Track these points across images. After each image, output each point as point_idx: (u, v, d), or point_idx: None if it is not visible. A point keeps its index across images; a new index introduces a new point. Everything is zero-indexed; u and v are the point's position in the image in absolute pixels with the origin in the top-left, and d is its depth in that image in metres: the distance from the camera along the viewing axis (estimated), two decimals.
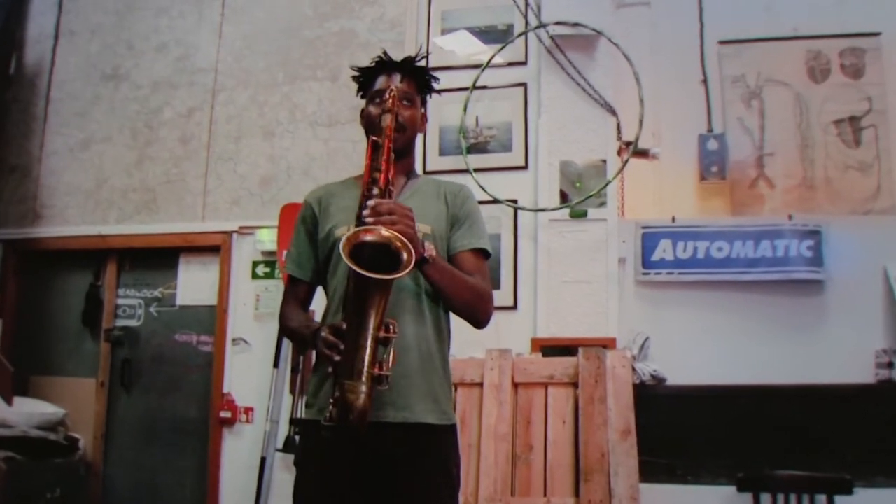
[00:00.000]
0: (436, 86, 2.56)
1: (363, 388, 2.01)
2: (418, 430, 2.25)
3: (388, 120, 2.28)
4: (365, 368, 2.01)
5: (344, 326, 2.09)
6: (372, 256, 2.01)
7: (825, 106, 4.62)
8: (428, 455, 2.27)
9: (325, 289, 2.47)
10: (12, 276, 5.54)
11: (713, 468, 4.07)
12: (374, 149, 2.25)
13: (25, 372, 5.25)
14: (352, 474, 2.20)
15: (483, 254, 2.45)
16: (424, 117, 2.57)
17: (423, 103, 2.56)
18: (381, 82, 2.44)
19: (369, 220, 2.07)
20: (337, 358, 2.06)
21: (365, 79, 2.51)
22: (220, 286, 5.11)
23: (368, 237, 2.04)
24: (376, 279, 1.97)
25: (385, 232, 2.04)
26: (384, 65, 2.47)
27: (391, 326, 2.06)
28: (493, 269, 4.43)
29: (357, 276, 1.99)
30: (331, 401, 2.09)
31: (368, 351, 2.02)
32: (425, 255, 2.16)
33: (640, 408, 3.92)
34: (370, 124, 2.41)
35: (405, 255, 2.00)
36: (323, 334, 2.13)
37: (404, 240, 2.04)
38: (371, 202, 2.12)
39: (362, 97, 2.54)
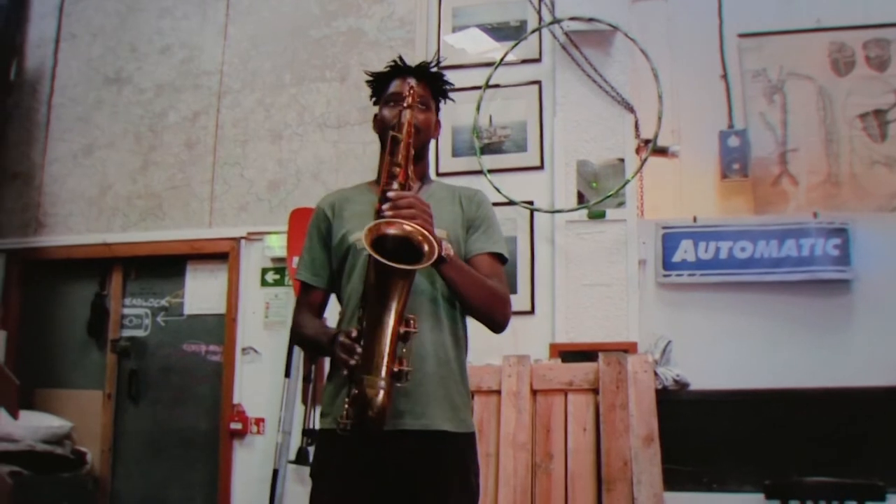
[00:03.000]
0: (450, 90, 2.61)
1: (382, 382, 2.05)
2: (437, 438, 2.28)
3: (408, 115, 2.31)
4: (385, 363, 2.05)
5: (355, 333, 2.14)
6: (392, 250, 2.05)
7: (850, 99, 4.61)
8: (447, 464, 2.30)
9: (339, 295, 2.51)
10: (15, 287, 5.59)
11: (739, 475, 4.08)
12: (393, 144, 2.30)
13: (30, 385, 5.30)
14: (370, 485, 2.23)
15: (500, 258, 2.49)
16: (438, 123, 2.61)
17: (437, 110, 2.59)
18: (395, 85, 2.48)
19: (388, 213, 2.12)
20: (353, 362, 2.10)
21: (378, 83, 2.55)
22: (229, 294, 5.15)
23: (390, 230, 2.09)
24: (399, 269, 2.01)
25: (407, 226, 2.08)
26: (398, 69, 2.51)
27: (412, 321, 2.10)
28: (510, 274, 4.43)
29: (378, 266, 2.02)
30: (346, 399, 2.13)
31: (388, 345, 2.06)
32: (443, 253, 2.18)
33: (662, 414, 3.94)
34: (384, 128, 2.45)
35: (426, 248, 2.05)
36: (341, 339, 2.17)
37: (425, 232, 2.09)
38: (391, 194, 2.18)
39: (375, 102, 2.58)
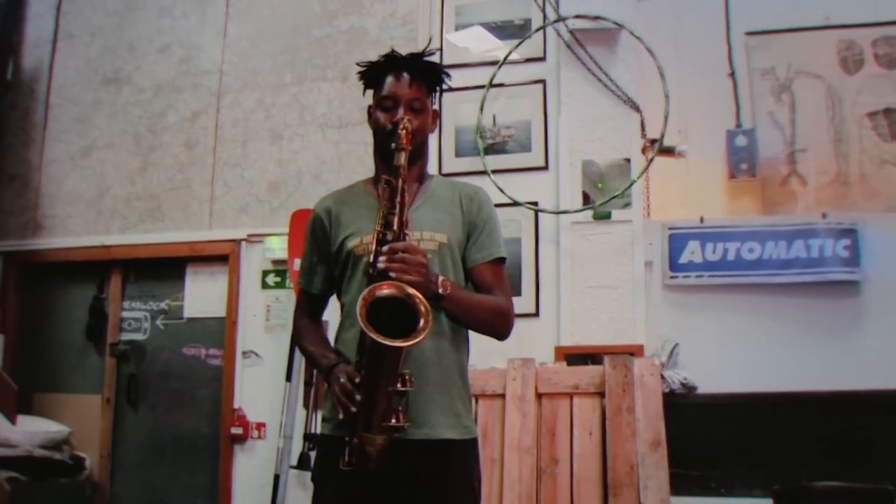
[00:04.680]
0: (448, 81, 2.56)
1: (380, 440, 2.15)
2: (439, 447, 2.29)
3: (402, 159, 2.29)
4: (382, 422, 2.14)
5: (358, 380, 2.17)
6: (388, 308, 2.11)
7: (859, 98, 4.62)
8: (450, 470, 2.31)
9: (339, 298, 2.52)
10: (13, 290, 5.61)
11: (748, 480, 4.10)
12: (388, 186, 2.29)
13: (28, 389, 5.32)
14: (373, 490, 2.24)
15: (501, 261, 2.50)
16: (436, 115, 2.57)
17: (436, 101, 2.57)
18: (389, 85, 2.43)
19: (381, 265, 2.16)
20: (353, 409, 2.15)
21: (372, 75, 2.51)
22: (229, 297, 5.16)
23: (383, 292, 2.13)
24: (393, 347, 2.06)
25: (398, 290, 2.13)
26: (392, 62, 2.47)
27: (408, 380, 2.15)
28: (514, 276, 4.46)
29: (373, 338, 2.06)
30: (346, 440, 2.20)
31: (384, 405, 2.14)
32: (439, 291, 2.24)
33: (669, 418, 3.95)
34: (377, 130, 2.45)
35: (422, 322, 2.09)
36: (342, 380, 2.20)
37: (419, 296, 2.13)
38: (385, 248, 2.19)
39: (368, 87, 2.54)
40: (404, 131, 2.31)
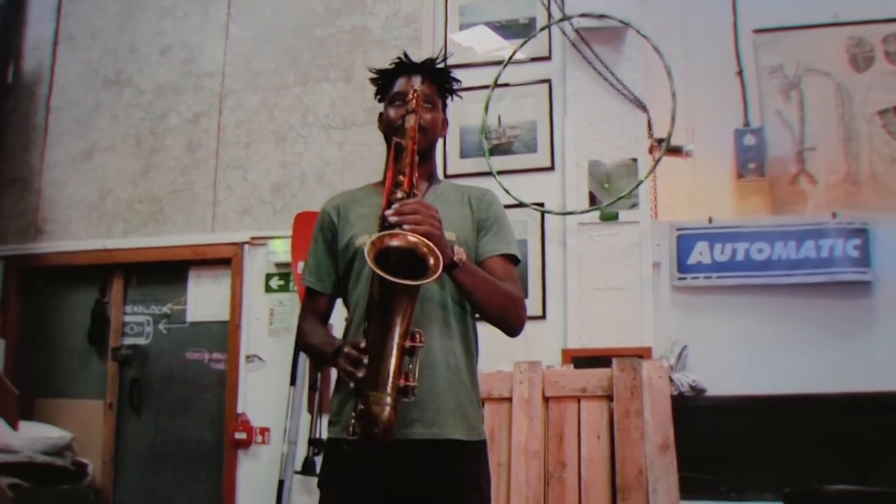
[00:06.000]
0: (457, 84, 2.59)
1: (388, 399, 2.03)
2: (448, 447, 2.28)
3: (412, 120, 2.30)
4: (390, 379, 2.03)
5: (363, 345, 2.12)
6: (398, 262, 2.04)
7: (869, 95, 4.61)
8: (458, 472, 2.30)
9: (346, 301, 2.51)
10: (14, 295, 5.62)
11: (758, 483, 4.08)
12: (397, 151, 2.29)
13: (30, 394, 5.33)
14: (380, 494, 2.23)
15: (512, 260, 2.49)
16: (445, 122, 2.60)
17: (444, 107, 2.59)
18: (400, 84, 2.48)
19: (393, 219, 2.10)
20: (360, 375, 2.08)
21: (383, 81, 2.55)
22: (233, 301, 5.17)
23: (394, 242, 2.06)
24: (403, 285, 2.00)
25: (411, 237, 2.06)
26: (404, 66, 2.51)
27: (418, 336, 2.08)
28: (521, 278, 4.44)
29: (382, 281, 2.01)
30: (353, 414, 2.12)
31: (394, 361, 2.04)
32: (454, 258, 2.18)
33: (678, 421, 3.93)
34: (389, 127, 2.45)
35: (432, 261, 2.03)
36: (346, 350, 2.15)
37: (431, 244, 2.06)
38: (396, 204, 2.15)
39: (380, 100, 2.58)
40: (415, 95, 2.32)
